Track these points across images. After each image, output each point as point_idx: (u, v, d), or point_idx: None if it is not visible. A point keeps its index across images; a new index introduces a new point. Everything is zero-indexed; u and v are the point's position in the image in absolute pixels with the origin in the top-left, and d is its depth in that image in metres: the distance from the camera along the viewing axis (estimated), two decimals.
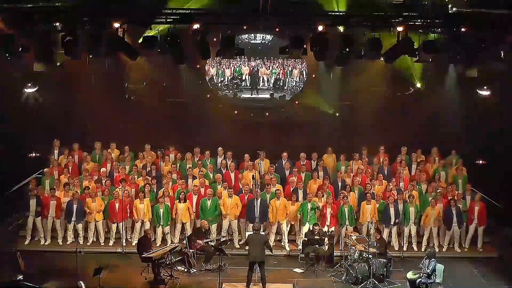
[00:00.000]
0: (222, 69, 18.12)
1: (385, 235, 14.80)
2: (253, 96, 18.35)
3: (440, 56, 14.09)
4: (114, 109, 17.67)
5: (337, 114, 18.03)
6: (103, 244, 15.09)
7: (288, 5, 13.12)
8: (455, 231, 14.93)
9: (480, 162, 16.42)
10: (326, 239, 14.09)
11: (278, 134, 17.98)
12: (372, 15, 13.38)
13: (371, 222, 14.55)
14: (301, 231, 14.82)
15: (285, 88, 18.25)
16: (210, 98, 18.24)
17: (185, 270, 13.77)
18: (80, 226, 14.90)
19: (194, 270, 13.79)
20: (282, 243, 15.10)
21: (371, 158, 16.66)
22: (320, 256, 14.00)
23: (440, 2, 12.82)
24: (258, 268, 12.83)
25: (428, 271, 12.32)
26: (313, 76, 18.08)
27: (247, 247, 12.91)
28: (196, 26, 13.15)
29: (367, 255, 13.08)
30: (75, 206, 14.76)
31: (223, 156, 16.63)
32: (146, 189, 14.99)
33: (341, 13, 13.63)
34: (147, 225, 14.84)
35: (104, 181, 15.52)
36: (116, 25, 13.01)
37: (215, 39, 14.01)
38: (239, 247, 14.98)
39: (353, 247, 13.49)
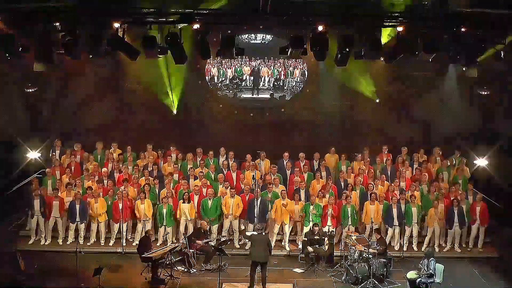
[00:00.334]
0: (223, 69, 18.12)
1: (388, 235, 14.80)
2: (253, 96, 18.35)
3: (440, 56, 14.08)
4: (115, 109, 17.71)
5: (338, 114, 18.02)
6: (103, 244, 15.09)
7: (288, 5, 13.10)
8: (456, 232, 14.93)
9: (480, 162, 16.37)
10: (326, 239, 14.10)
11: (278, 134, 18.01)
12: (372, 15, 13.36)
13: (374, 222, 14.54)
14: (303, 231, 14.82)
15: (285, 88, 18.26)
16: (210, 98, 18.23)
17: (185, 270, 13.77)
18: (82, 226, 14.90)
19: (194, 270, 13.80)
20: (283, 243, 15.10)
21: (373, 158, 16.67)
22: (320, 256, 14.01)
23: (440, 2, 12.79)
24: (260, 268, 12.83)
25: (430, 270, 12.31)
26: (314, 76, 18.09)
27: (247, 247, 12.90)
28: (196, 26, 13.15)
29: (367, 255, 13.08)
30: (77, 206, 14.77)
31: (225, 156, 16.64)
32: (145, 189, 14.98)
33: (341, 13, 13.61)
34: (149, 225, 14.85)
35: (106, 182, 15.53)
36: (116, 25, 13.00)
37: (215, 39, 14.02)
38: (239, 247, 14.99)
39: (353, 247, 13.49)
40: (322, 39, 13.11)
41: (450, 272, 13.08)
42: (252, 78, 18.17)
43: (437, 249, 14.67)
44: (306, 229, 14.63)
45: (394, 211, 14.73)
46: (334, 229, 14.64)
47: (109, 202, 14.98)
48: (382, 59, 14.37)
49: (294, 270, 14.00)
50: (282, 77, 18.14)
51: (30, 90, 16.75)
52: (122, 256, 14.63)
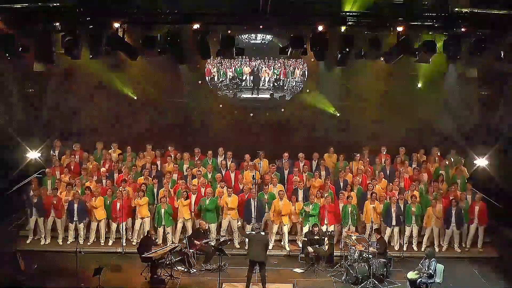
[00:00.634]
0: (224, 69, 18.12)
1: (387, 235, 14.81)
2: (253, 96, 18.35)
3: (440, 56, 14.10)
4: (115, 109, 17.70)
5: (338, 115, 18.02)
6: (103, 244, 15.09)
7: (288, 5, 13.11)
8: (454, 231, 14.93)
9: (480, 162, 16.37)
10: (326, 239, 14.10)
11: (278, 134, 17.99)
12: (372, 15, 13.37)
13: (374, 222, 14.54)
14: (302, 231, 14.83)
15: (285, 88, 18.26)
16: (210, 98, 18.23)
17: (185, 270, 13.77)
18: (81, 226, 14.91)
19: (194, 270, 13.79)
20: (282, 243, 15.10)
21: (372, 158, 16.68)
22: (320, 256, 14.01)
23: (440, 2, 12.81)
24: (258, 268, 12.83)
25: (430, 271, 12.31)
26: (314, 76, 18.09)
27: (247, 247, 12.90)
28: (196, 26, 13.15)
29: (367, 255, 13.09)
30: (76, 206, 14.78)
31: (223, 156, 16.65)
32: (143, 189, 14.98)
33: (341, 13, 13.62)
34: (147, 224, 14.87)
35: (104, 181, 15.54)
36: (116, 25, 13.01)
37: (215, 39, 14.01)
38: (239, 247, 14.98)
39: (353, 247, 13.49)
40: (322, 39, 13.11)
41: (450, 272, 13.07)
42: (252, 78, 18.17)
43: (437, 249, 14.66)
44: (305, 229, 14.64)
45: (393, 211, 14.73)
46: (332, 227, 14.62)
47: (108, 202, 14.98)
48: (382, 59, 14.37)
49: (294, 270, 13.99)
50: (282, 76, 18.13)
51: (30, 90, 16.76)
52: (122, 256, 14.62)
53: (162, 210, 14.66)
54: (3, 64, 14.71)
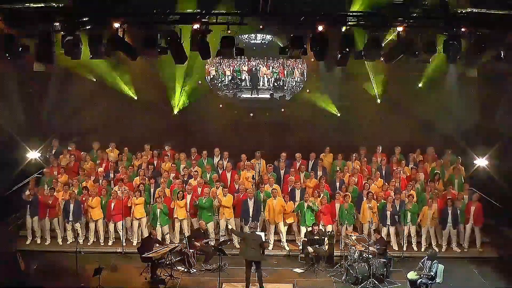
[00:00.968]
0: (222, 69, 18.11)
1: (383, 234, 14.80)
2: (253, 96, 18.35)
3: (440, 56, 14.09)
4: (114, 109, 17.70)
5: (338, 114, 18.02)
6: (103, 244, 15.09)
7: (288, 5, 13.09)
8: (451, 231, 14.93)
9: (480, 162, 16.37)
10: (326, 239, 14.10)
11: (278, 134, 17.99)
12: (372, 15, 13.36)
13: (371, 222, 14.54)
14: (300, 231, 14.82)
15: (285, 88, 18.25)
16: (209, 98, 18.22)
17: (185, 270, 13.78)
18: (78, 226, 14.90)
19: (194, 270, 13.80)
20: (281, 243, 15.10)
21: (369, 158, 16.68)
22: (320, 256, 14.01)
23: (440, 2, 12.79)
24: (254, 267, 12.83)
25: (432, 273, 12.29)
26: (314, 76, 18.08)
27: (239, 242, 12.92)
28: (196, 26, 13.14)
29: (367, 255, 13.08)
30: (71, 206, 14.79)
31: (219, 156, 16.64)
32: (140, 188, 14.98)
33: (341, 13, 13.61)
34: (143, 225, 14.87)
35: (101, 181, 15.53)
36: (116, 25, 13.00)
37: (215, 39, 14.00)
38: (239, 247, 14.98)
39: (353, 247, 13.49)
40: (322, 39, 13.10)
41: (450, 272, 13.07)
42: (249, 77, 18.15)
43: (436, 249, 14.65)
44: (303, 229, 14.62)
45: (388, 210, 14.73)
46: (332, 229, 14.62)
47: (103, 201, 14.99)
48: (382, 59, 14.37)
49: (294, 270, 14.00)
50: (280, 75, 18.11)
51: (30, 90, 16.74)
52: (122, 256, 14.63)
53: (158, 210, 14.65)
54: (3, 64, 14.69)
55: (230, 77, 18.19)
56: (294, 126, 18.04)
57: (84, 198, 14.92)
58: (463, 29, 12.95)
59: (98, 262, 12.85)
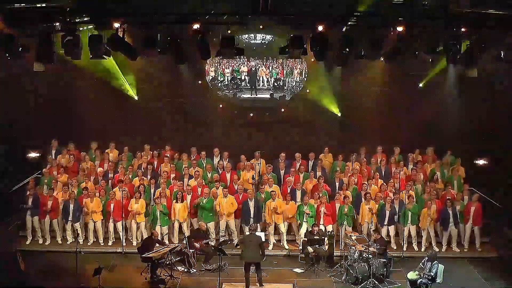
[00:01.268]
0: (221, 69, 18.12)
1: (383, 235, 14.79)
2: (253, 96, 18.35)
3: (441, 56, 14.10)
4: (114, 109, 17.70)
5: (339, 115, 18.03)
6: (103, 244, 15.09)
7: (288, 5, 13.09)
8: (452, 231, 14.93)
9: (480, 162, 16.38)
10: (326, 239, 14.10)
11: (278, 134, 18.01)
12: (372, 15, 13.36)
13: (370, 222, 14.55)
14: (300, 231, 14.82)
15: (285, 88, 18.26)
16: (210, 98, 18.23)
17: (185, 270, 13.78)
18: (77, 226, 14.90)
19: (194, 270, 13.80)
20: (281, 244, 15.10)
21: (369, 158, 16.68)
22: (320, 256, 14.01)
23: (440, 2, 12.79)
24: (254, 268, 12.82)
25: (432, 274, 12.29)
26: (314, 76, 18.08)
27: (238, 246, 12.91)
28: (196, 26, 13.15)
29: (367, 255, 13.08)
30: (71, 206, 14.78)
31: (219, 156, 16.64)
32: (140, 190, 14.98)
33: (341, 13, 13.62)
34: (143, 225, 14.86)
35: (100, 181, 15.53)
36: (116, 25, 13.01)
37: (215, 39, 14.01)
38: (239, 247, 14.97)
39: (353, 247, 13.49)
40: (322, 39, 13.10)
41: (450, 272, 13.08)
42: (248, 77, 18.16)
43: (436, 248, 14.66)
44: (302, 229, 14.62)
45: (387, 210, 14.73)
46: (332, 229, 14.62)
47: (103, 202, 14.99)
48: (382, 59, 14.37)
49: (294, 270, 14.00)
50: (280, 76, 18.12)
51: (30, 90, 16.74)
52: (122, 256, 14.63)
53: (158, 211, 14.64)
54: (3, 63, 14.70)
55: (230, 77, 18.18)
56: (294, 126, 18.03)
57: (84, 200, 14.89)
58: (463, 29, 12.94)
59: (98, 262, 12.85)
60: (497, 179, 15.82)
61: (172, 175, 15.84)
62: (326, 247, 14.08)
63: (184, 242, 14.17)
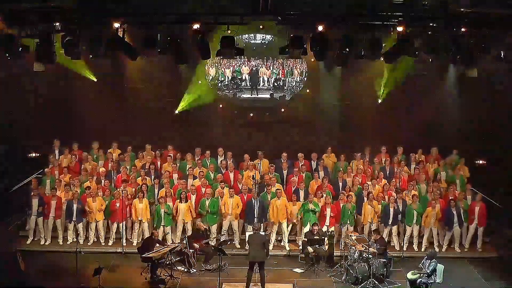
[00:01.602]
0: (222, 69, 18.12)
1: (385, 235, 14.80)
2: (253, 96, 18.36)
3: (440, 56, 14.09)
4: (115, 109, 17.71)
5: (339, 115, 18.02)
6: (103, 244, 15.09)
7: (288, 5, 13.09)
8: (456, 232, 14.92)
9: (480, 162, 16.38)
10: (326, 239, 14.10)
11: (278, 134, 18.01)
12: (372, 15, 13.36)
13: (371, 222, 14.54)
14: (302, 231, 14.82)
15: (285, 88, 18.26)
16: (209, 97, 18.23)
17: (185, 270, 13.78)
18: (80, 226, 14.90)
19: (194, 270, 13.80)
20: (282, 243, 15.10)
21: (372, 158, 16.68)
22: (320, 256, 14.01)
23: (440, 2, 12.79)
24: (257, 268, 12.82)
25: (428, 271, 12.32)
26: (314, 76, 18.09)
27: (247, 247, 12.91)
28: (196, 26, 13.15)
29: (367, 255, 13.08)
30: (75, 206, 14.77)
31: (223, 156, 16.64)
32: (143, 189, 14.97)
33: (341, 13, 13.62)
34: (146, 225, 14.86)
35: (103, 181, 15.53)
36: (116, 25, 13.00)
37: (215, 39, 14.02)
38: (239, 247, 14.99)
39: (353, 247, 13.49)
40: (322, 39, 13.10)
41: (450, 272, 13.08)
42: (249, 77, 18.16)
43: (436, 249, 14.66)
44: (305, 229, 14.63)
45: (391, 210, 14.72)
46: (333, 229, 14.63)
47: (107, 202, 14.97)
48: (382, 59, 14.37)
49: (294, 270, 14.00)
50: (281, 76, 18.12)
51: (30, 90, 16.75)
52: (122, 256, 14.63)
53: (162, 211, 14.64)
54: (3, 64, 14.70)
55: (230, 77, 18.18)
56: (294, 126, 18.03)
57: (87, 199, 14.88)
58: (463, 29, 12.94)
59: (98, 262, 12.85)
60: (497, 179, 15.83)
61: (175, 175, 15.82)
62: (326, 247, 14.08)
63: (184, 242, 14.17)
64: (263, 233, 13.56)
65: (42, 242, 15.06)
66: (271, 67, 18.11)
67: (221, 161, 16.52)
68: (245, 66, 18.17)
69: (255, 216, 14.47)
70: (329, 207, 14.68)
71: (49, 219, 14.98)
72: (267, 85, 18.26)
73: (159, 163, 16.52)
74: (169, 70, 17.24)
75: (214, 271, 13.53)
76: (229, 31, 13.21)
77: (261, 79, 18.21)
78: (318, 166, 16.28)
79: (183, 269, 13.80)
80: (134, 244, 14.82)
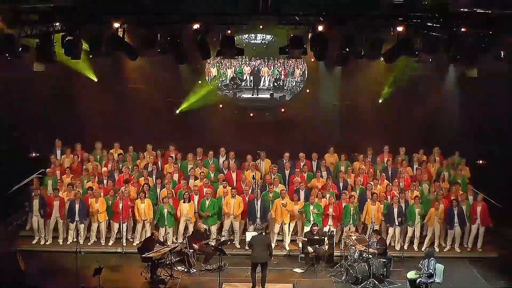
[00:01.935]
0: (224, 69, 18.12)
1: (389, 235, 14.80)
2: (253, 96, 18.35)
3: (440, 56, 14.09)
4: (115, 109, 17.71)
5: (339, 115, 18.01)
6: (103, 244, 15.08)
7: (288, 5, 13.10)
8: (457, 231, 14.92)
9: (481, 162, 16.38)
10: (326, 239, 14.10)
11: (278, 134, 18.01)
12: (372, 15, 13.36)
13: (374, 222, 14.53)
14: (303, 231, 14.81)
15: (285, 88, 18.26)
16: (209, 97, 18.24)
17: (185, 270, 13.78)
18: (82, 227, 14.90)
19: (194, 270, 13.80)
20: (283, 243, 15.09)
21: (374, 158, 16.68)
22: (320, 256, 14.01)
23: (440, 2, 12.79)
24: (260, 268, 12.82)
25: (430, 270, 12.31)
26: (314, 76, 18.09)
27: (247, 247, 12.90)
28: (196, 26, 13.15)
29: (367, 255, 13.08)
30: (77, 206, 14.77)
31: (225, 156, 16.63)
32: (145, 189, 14.98)
33: (340, 13, 13.62)
34: (148, 225, 14.85)
35: (105, 181, 15.53)
36: (116, 25, 13.01)
37: (215, 39, 14.03)
38: (239, 247, 14.98)
39: (353, 247, 13.49)
40: (322, 39, 13.11)
41: (450, 272, 13.07)
42: (251, 78, 18.17)
43: (437, 249, 14.67)
44: (306, 229, 14.63)
45: (395, 210, 14.72)
46: (334, 229, 14.63)
47: (110, 202, 14.97)
48: (382, 59, 14.38)
49: (294, 270, 14.00)
50: (282, 76, 18.13)
51: (30, 90, 16.76)
52: (122, 256, 14.63)
53: (165, 211, 14.64)
54: (3, 64, 14.71)
55: (231, 77, 18.18)
56: (294, 126, 18.03)
57: (90, 199, 14.86)
58: (463, 29, 12.94)
59: (98, 262, 12.84)
60: (497, 179, 15.81)
61: (176, 176, 15.81)
62: (326, 247, 14.08)
63: (184, 242, 14.17)
64: (266, 234, 13.53)
65: (42, 242, 15.05)
66: (273, 67, 18.11)
67: (223, 161, 16.50)
68: (246, 66, 18.17)
69: (257, 216, 14.46)
70: (331, 207, 14.68)
71: (52, 219, 14.95)
72: (267, 85, 18.26)
73: (160, 163, 16.50)
74: (170, 70, 17.23)
75: (214, 271, 13.53)
76: (229, 31, 13.23)
77: (263, 79, 18.21)
78: (321, 166, 16.27)
79: (183, 269, 13.80)
80: (135, 244, 14.81)
